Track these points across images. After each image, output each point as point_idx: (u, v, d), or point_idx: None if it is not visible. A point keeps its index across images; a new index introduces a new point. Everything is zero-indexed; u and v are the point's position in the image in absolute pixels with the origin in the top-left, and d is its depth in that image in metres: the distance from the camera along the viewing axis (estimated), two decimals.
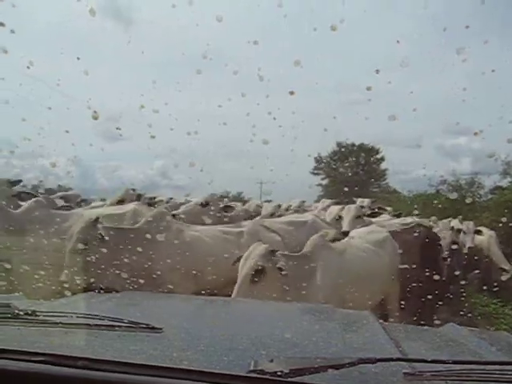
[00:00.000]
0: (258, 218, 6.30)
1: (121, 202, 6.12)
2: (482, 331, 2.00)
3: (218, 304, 2.38)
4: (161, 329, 1.40)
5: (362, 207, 6.69)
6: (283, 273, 3.75)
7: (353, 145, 34.24)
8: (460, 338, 1.62)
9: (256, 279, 3.66)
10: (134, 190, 6.58)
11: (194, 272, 4.46)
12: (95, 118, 2.80)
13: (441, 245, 5.75)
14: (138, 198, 6.38)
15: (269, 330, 1.60)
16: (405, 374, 1.05)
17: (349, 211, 6.30)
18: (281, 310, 2.28)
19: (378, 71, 3.09)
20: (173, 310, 2.09)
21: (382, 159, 33.89)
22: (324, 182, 35.15)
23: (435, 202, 13.02)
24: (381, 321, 1.84)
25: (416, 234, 5.42)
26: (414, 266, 4.76)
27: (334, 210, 6.98)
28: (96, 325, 1.40)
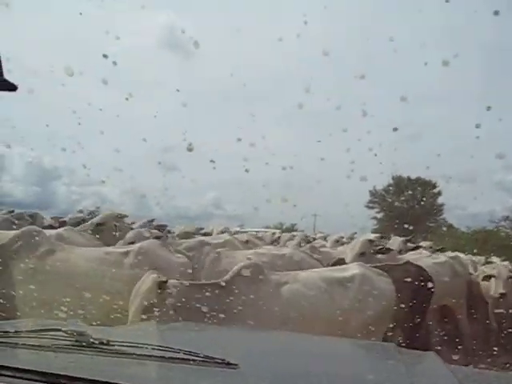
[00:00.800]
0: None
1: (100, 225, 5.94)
2: None
3: (298, 339, 2.27)
4: (237, 364, 1.34)
5: (372, 241, 6.17)
6: (173, 308, 3.17)
7: (409, 178, 33.82)
8: None
9: (145, 317, 3.13)
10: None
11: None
12: (190, 150, 2.93)
13: (430, 288, 4.60)
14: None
15: (340, 368, 1.56)
16: None
17: (354, 246, 5.73)
18: (351, 346, 2.21)
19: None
20: (249, 345, 1.98)
21: (439, 194, 33.24)
22: (379, 216, 34.79)
23: (496, 238, 12.74)
24: (446, 363, 1.72)
25: (405, 273, 4.60)
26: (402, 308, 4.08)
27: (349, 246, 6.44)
28: (170, 358, 1.36)
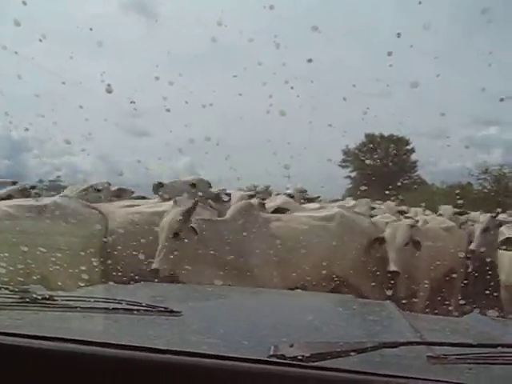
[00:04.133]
0: None
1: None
2: (507, 320, 2.05)
3: (239, 292, 2.44)
4: (179, 312, 1.39)
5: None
6: (198, 235, 3.91)
7: (382, 136, 33.56)
8: (483, 326, 1.63)
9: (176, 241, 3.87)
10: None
11: None
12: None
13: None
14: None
15: (289, 316, 1.61)
16: (428, 357, 1.02)
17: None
18: (300, 298, 2.34)
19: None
20: (192, 295, 2.09)
21: (412, 150, 33.19)
22: (353, 175, 34.69)
23: (470, 192, 12.55)
24: (402, 311, 1.84)
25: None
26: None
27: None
28: (114, 308, 1.39)
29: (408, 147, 33.73)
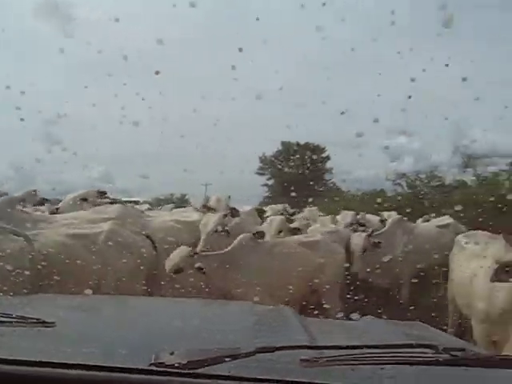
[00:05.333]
0: None
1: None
2: (399, 322, 2.09)
3: (118, 301, 2.41)
4: (53, 323, 1.36)
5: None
6: (203, 272, 4.08)
7: (298, 144, 34.11)
8: (372, 328, 1.69)
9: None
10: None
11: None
12: None
13: None
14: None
15: (171, 323, 1.60)
16: (301, 360, 1.06)
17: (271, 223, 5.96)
18: (193, 306, 2.33)
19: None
20: (67, 306, 2.04)
21: (328, 158, 34.00)
22: (270, 183, 34.94)
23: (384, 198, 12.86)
24: (300, 315, 1.87)
25: None
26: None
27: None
28: None
29: (323, 155, 34.57)
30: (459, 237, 5.24)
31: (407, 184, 13.05)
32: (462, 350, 1.18)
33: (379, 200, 10.60)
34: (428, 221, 8.23)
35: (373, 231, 6.50)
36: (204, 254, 4.37)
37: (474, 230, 8.11)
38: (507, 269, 3.30)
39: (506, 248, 3.77)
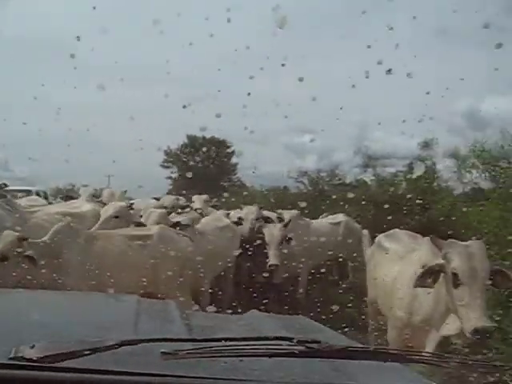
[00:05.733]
0: None
1: None
2: (282, 316, 2.15)
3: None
4: None
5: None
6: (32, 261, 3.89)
7: (203, 138, 33.77)
8: (254, 322, 1.72)
9: None
10: None
11: None
12: None
13: None
14: None
15: (33, 316, 1.51)
16: (162, 353, 1.06)
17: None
18: (52, 298, 2.27)
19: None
20: None
21: (233, 153, 33.99)
22: (174, 176, 34.34)
23: (288, 194, 12.96)
24: (183, 309, 1.87)
25: None
26: None
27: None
28: None
29: (229, 150, 34.50)
30: (380, 236, 5.00)
31: (309, 182, 13.25)
32: (318, 342, 1.22)
33: (281, 196, 10.64)
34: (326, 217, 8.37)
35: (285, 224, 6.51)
36: (32, 241, 4.12)
37: (372, 228, 8.36)
38: (431, 275, 3.17)
39: (433, 252, 3.56)
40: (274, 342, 1.22)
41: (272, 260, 5.99)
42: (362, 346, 1.38)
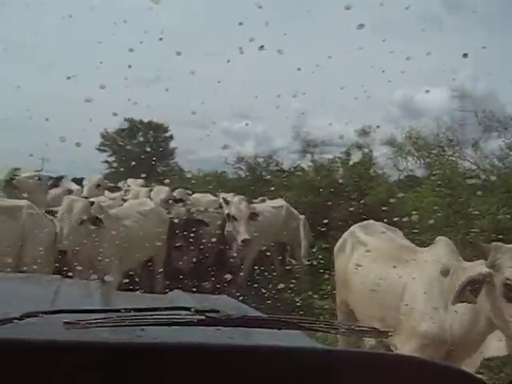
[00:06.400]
0: None
1: None
2: (205, 296, 2.24)
3: None
4: None
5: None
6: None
7: (141, 122, 32.90)
8: (173, 299, 1.82)
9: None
10: None
11: None
12: None
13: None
14: None
15: None
16: (64, 323, 1.08)
17: None
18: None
19: None
20: None
21: (171, 138, 33.39)
22: (111, 159, 33.30)
23: (226, 180, 12.81)
24: (105, 289, 1.97)
25: None
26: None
27: None
28: None
29: (167, 134, 33.84)
30: (355, 228, 4.33)
31: (247, 167, 13.11)
32: (216, 311, 1.26)
33: (219, 181, 10.47)
34: (264, 201, 8.29)
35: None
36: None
37: (309, 213, 8.36)
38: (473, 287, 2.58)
39: (452, 251, 3.05)
40: (175, 311, 1.26)
41: (243, 235, 6.15)
42: (259, 315, 1.44)
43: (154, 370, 0.98)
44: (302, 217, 7.69)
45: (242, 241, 6.16)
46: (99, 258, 4.69)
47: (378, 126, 10.82)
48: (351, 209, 8.63)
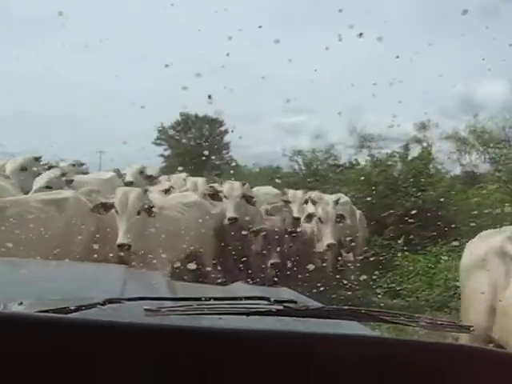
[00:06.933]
0: None
1: None
2: (267, 288, 2.30)
3: None
4: None
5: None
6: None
7: (196, 116, 33.35)
8: (236, 290, 1.84)
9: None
10: None
11: None
12: None
13: None
14: None
15: (21, 278, 1.64)
16: (145, 309, 1.10)
17: None
18: (50, 265, 2.41)
19: None
20: None
21: (226, 132, 33.64)
22: (167, 153, 33.98)
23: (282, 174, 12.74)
24: (169, 279, 1.94)
25: None
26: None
27: None
28: None
29: (222, 129, 34.11)
30: (503, 241, 3.18)
31: (303, 161, 13.01)
32: (294, 302, 1.27)
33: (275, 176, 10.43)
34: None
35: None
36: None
37: (366, 209, 8.18)
38: None
39: None
40: (253, 301, 1.27)
41: (329, 239, 5.92)
42: (337, 306, 1.40)
43: (236, 358, 0.98)
44: (359, 212, 7.53)
45: (328, 245, 5.97)
46: (148, 250, 4.60)
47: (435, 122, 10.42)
48: (409, 205, 8.41)
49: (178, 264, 5.06)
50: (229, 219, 5.92)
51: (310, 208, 6.51)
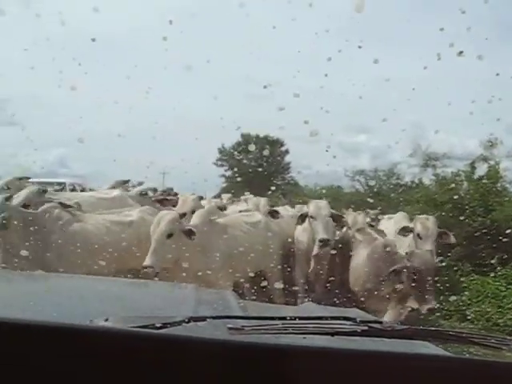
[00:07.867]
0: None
1: None
2: (336, 309, 2.16)
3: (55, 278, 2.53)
4: None
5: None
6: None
7: (257, 136, 33.81)
8: (309, 310, 1.81)
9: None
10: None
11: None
12: None
13: None
14: None
15: (107, 295, 1.66)
16: (229, 328, 1.11)
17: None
18: (129, 283, 2.49)
19: None
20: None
21: (287, 152, 33.87)
22: (228, 174, 34.57)
23: (341, 194, 12.69)
24: (240, 299, 1.91)
25: None
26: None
27: None
28: None
29: (282, 149, 34.38)
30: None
31: (365, 181, 12.93)
32: (379, 322, 1.26)
33: (336, 196, 10.41)
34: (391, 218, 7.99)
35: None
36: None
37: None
38: None
39: None
40: (337, 321, 1.26)
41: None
42: (423, 327, 1.37)
43: (321, 377, 0.97)
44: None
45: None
46: (206, 268, 4.55)
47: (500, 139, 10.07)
48: (476, 225, 8.16)
49: (243, 283, 5.27)
50: (320, 241, 5.47)
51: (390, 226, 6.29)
